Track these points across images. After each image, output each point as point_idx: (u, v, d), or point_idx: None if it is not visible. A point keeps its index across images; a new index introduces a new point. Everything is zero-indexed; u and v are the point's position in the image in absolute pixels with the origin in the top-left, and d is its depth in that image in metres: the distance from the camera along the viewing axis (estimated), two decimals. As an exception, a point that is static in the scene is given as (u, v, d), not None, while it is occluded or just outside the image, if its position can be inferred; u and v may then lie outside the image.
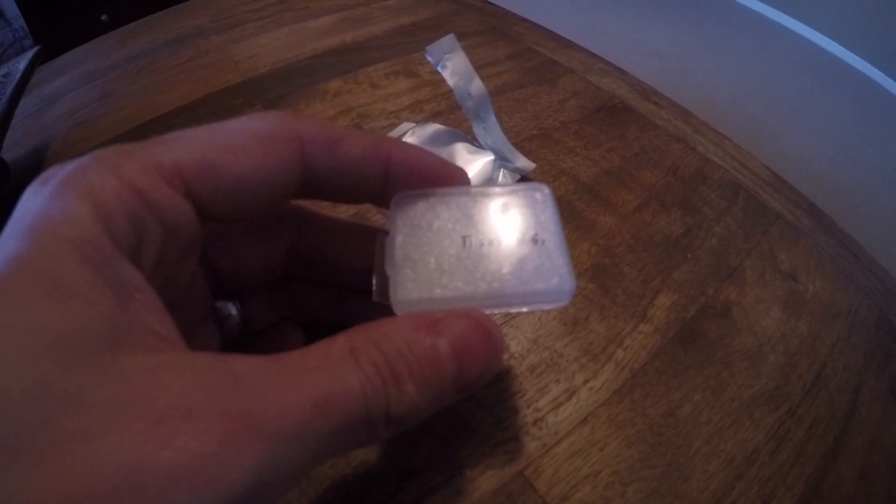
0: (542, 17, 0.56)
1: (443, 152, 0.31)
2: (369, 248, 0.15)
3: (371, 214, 0.30)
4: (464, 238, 0.14)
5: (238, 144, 0.12)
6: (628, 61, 0.53)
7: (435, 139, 0.32)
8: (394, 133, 0.34)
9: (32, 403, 0.08)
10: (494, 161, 0.31)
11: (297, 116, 0.13)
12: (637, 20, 1.88)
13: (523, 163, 0.31)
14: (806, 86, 1.66)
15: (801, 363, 0.25)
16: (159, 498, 0.08)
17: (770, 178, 0.36)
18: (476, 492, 0.20)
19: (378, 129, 0.36)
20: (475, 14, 0.51)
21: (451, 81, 0.29)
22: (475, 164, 0.30)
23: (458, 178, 0.16)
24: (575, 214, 0.31)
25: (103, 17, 1.17)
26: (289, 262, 0.17)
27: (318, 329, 0.15)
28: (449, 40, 0.28)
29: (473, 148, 0.31)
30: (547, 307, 0.15)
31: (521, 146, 0.33)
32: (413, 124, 0.34)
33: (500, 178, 0.30)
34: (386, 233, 0.15)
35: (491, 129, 0.30)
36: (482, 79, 0.29)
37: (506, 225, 0.15)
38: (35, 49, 0.34)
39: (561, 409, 0.22)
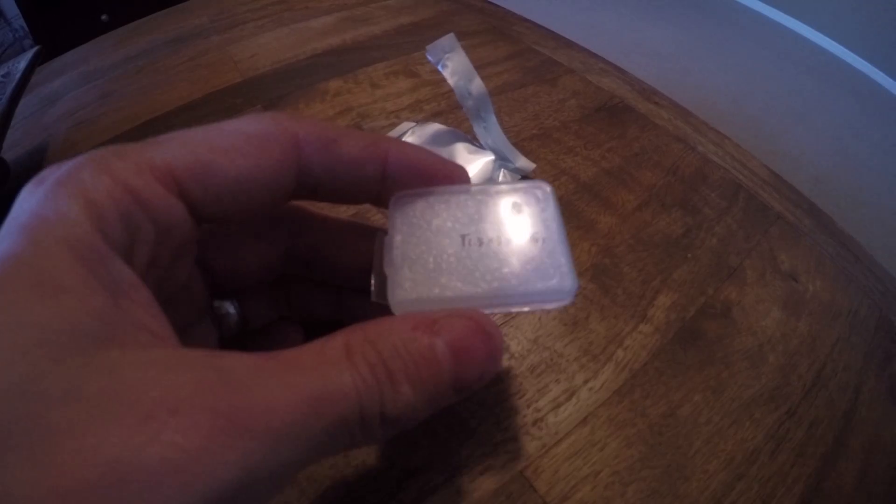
0: (542, 17, 0.56)
1: (443, 152, 0.31)
2: (368, 247, 0.15)
3: (371, 214, 0.30)
4: (463, 237, 0.14)
5: (232, 145, 0.12)
6: (628, 61, 0.53)
7: (435, 139, 0.32)
8: (394, 133, 0.34)
9: (21, 397, 0.08)
10: (494, 161, 0.31)
11: (293, 117, 0.13)
12: (637, 20, 1.88)
13: (523, 163, 0.31)
14: (806, 86, 1.66)
15: (801, 363, 0.25)
16: (145, 492, 0.08)
17: (770, 178, 0.36)
18: (476, 492, 0.20)
19: (378, 129, 0.36)
20: (475, 14, 0.51)
21: (451, 81, 0.29)
22: (475, 163, 0.30)
23: (457, 176, 0.16)
24: (575, 214, 0.31)
25: (103, 17, 1.17)
26: (287, 262, 0.17)
27: (318, 328, 0.15)
28: (449, 39, 0.28)
29: (473, 148, 0.31)
30: (548, 307, 0.14)
31: (521, 146, 0.33)
32: (413, 124, 0.34)
33: (501, 178, 0.30)
34: (385, 232, 0.15)
35: (491, 128, 0.30)
36: (482, 78, 0.29)
37: (506, 223, 0.15)
38: (35, 49, 0.34)
39: (561, 409, 0.22)
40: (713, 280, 0.28)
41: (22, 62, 0.33)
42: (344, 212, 0.29)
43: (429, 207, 0.15)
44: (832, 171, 1.37)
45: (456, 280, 0.14)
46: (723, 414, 0.23)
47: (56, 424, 0.08)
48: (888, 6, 1.63)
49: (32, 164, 0.35)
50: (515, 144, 0.31)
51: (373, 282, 0.14)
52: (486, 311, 0.13)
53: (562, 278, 0.14)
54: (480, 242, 0.14)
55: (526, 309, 0.15)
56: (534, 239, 0.14)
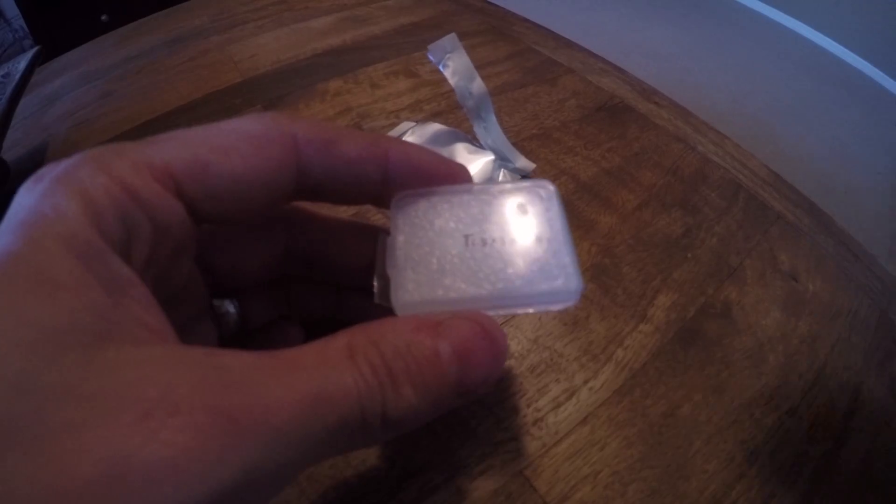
0: (542, 17, 0.56)
1: (443, 152, 0.31)
2: (369, 247, 0.15)
3: (371, 214, 0.30)
4: (466, 237, 0.14)
5: (231, 145, 0.12)
6: (628, 61, 0.53)
7: (435, 139, 0.32)
8: (394, 133, 0.34)
9: (19, 395, 0.08)
10: (494, 161, 0.31)
11: (292, 117, 0.13)
12: (637, 20, 1.88)
13: (523, 163, 0.31)
14: (806, 86, 1.66)
15: (801, 363, 0.25)
16: (143, 491, 0.08)
17: (770, 177, 0.36)
18: (476, 492, 0.20)
19: (378, 129, 0.36)
20: (475, 14, 0.51)
21: (452, 80, 0.29)
22: (475, 163, 0.30)
23: (459, 175, 0.15)
24: (575, 214, 0.31)
25: (103, 17, 1.17)
26: (287, 262, 0.17)
27: (318, 328, 0.15)
28: (450, 39, 0.28)
29: (474, 148, 0.31)
30: (553, 308, 0.14)
31: (521, 146, 0.33)
32: (413, 124, 0.34)
33: (501, 178, 0.30)
34: (387, 233, 0.15)
35: (491, 128, 0.30)
36: (482, 78, 0.29)
37: (509, 223, 0.14)
38: (35, 49, 0.34)
39: (561, 408, 0.22)
40: (713, 280, 0.28)
41: (22, 62, 0.33)
42: (344, 212, 0.29)
43: (431, 207, 0.15)
44: (832, 171, 1.37)
45: (460, 281, 0.13)
46: (723, 414, 0.23)
47: (54, 422, 0.08)
48: (888, 6, 1.63)
49: (32, 164, 0.35)
50: (515, 144, 0.31)
51: (375, 283, 0.14)
52: (490, 313, 0.13)
53: (567, 279, 0.13)
54: (484, 243, 0.14)
55: (531, 310, 0.14)
56: (538, 239, 0.14)
